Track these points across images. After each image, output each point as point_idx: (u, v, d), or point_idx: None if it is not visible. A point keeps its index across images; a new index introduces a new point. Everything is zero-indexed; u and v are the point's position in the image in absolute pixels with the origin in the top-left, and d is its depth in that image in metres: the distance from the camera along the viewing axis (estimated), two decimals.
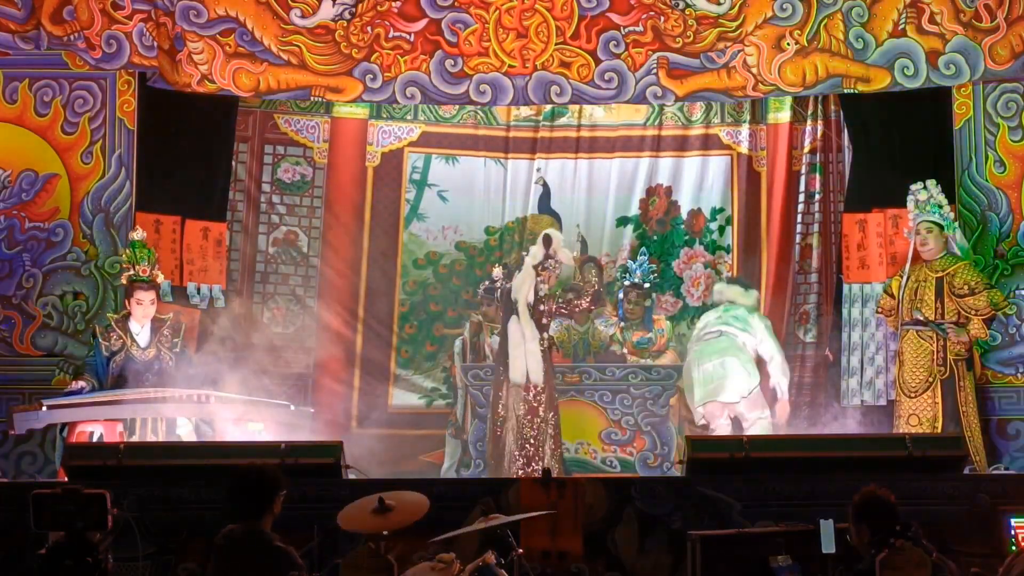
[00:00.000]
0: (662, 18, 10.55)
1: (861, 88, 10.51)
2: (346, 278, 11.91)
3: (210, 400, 9.35)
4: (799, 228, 11.83)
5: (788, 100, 11.76)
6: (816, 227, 11.77)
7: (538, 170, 12.20)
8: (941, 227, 10.01)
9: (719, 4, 10.53)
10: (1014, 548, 7.54)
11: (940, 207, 10.03)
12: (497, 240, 12.22)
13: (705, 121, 12.15)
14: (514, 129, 12.18)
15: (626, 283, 11.33)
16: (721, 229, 12.14)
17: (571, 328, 11.15)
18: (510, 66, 10.59)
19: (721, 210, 12.17)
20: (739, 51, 10.50)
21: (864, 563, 6.16)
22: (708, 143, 12.18)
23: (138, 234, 9.87)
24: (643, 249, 11.79)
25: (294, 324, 11.86)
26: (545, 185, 12.17)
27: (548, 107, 11.77)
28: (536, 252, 10.34)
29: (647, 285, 11.32)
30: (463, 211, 12.24)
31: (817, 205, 11.79)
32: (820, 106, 11.77)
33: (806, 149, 11.85)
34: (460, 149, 12.23)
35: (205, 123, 10.74)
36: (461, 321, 12.01)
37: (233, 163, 11.50)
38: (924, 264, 10.04)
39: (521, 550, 6.81)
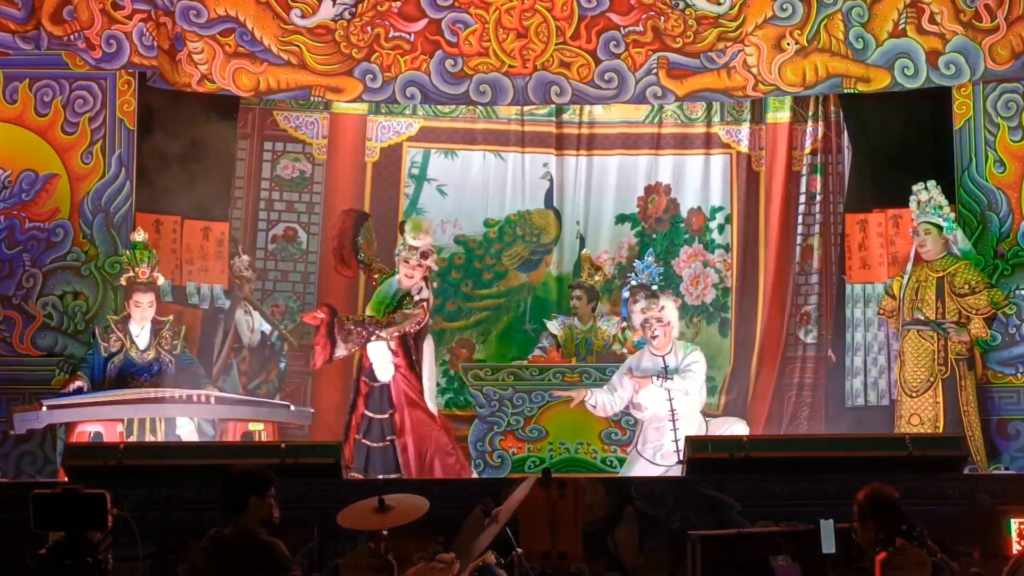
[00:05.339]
0: (662, 18, 10.55)
1: (861, 88, 10.51)
2: (345, 274, 11.89)
3: (210, 400, 9.36)
4: (800, 229, 11.84)
5: (788, 100, 11.77)
6: (817, 228, 11.79)
7: (544, 165, 12.21)
8: (940, 228, 10.02)
9: (719, 4, 10.53)
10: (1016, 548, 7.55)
11: (940, 208, 10.04)
12: (497, 233, 12.23)
13: (705, 120, 12.16)
14: (515, 123, 12.18)
15: (632, 283, 11.31)
16: (720, 228, 12.15)
17: (573, 327, 11.14)
18: (510, 66, 10.59)
19: (720, 208, 12.18)
20: (739, 51, 10.50)
21: (866, 562, 6.16)
22: (708, 141, 12.19)
23: (139, 235, 9.88)
24: (650, 249, 11.79)
25: (293, 321, 11.86)
26: (551, 180, 12.20)
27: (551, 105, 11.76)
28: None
29: (655, 287, 11.30)
30: (462, 205, 12.25)
31: (818, 206, 11.80)
32: (820, 107, 11.78)
33: (807, 150, 11.87)
34: (459, 143, 12.24)
35: (205, 123, 10.73)
36: (460, 315, 12.06)
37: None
38: (925, 264, 10.05)
39: (521, 550, 6.82)
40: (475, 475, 10.10)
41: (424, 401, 9.79)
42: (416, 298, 9.73)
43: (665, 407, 9.43)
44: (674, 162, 12.24)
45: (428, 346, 9.92)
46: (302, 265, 12.05)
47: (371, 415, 9.66)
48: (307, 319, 10.04)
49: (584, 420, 10.41)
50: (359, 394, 9.87)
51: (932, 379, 9.89)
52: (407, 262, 9.84)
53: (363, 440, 9.62)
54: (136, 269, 9.63)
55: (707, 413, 9.93)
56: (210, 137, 10.74)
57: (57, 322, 10.39)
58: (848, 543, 6.54)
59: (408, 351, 9.72)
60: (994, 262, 10.34)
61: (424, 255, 9.82)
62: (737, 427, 9.60)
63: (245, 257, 11.26)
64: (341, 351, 9.70)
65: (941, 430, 9.71)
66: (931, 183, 10.09)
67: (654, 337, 9.54)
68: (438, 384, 11.39)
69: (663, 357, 9.52)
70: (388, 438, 9.63)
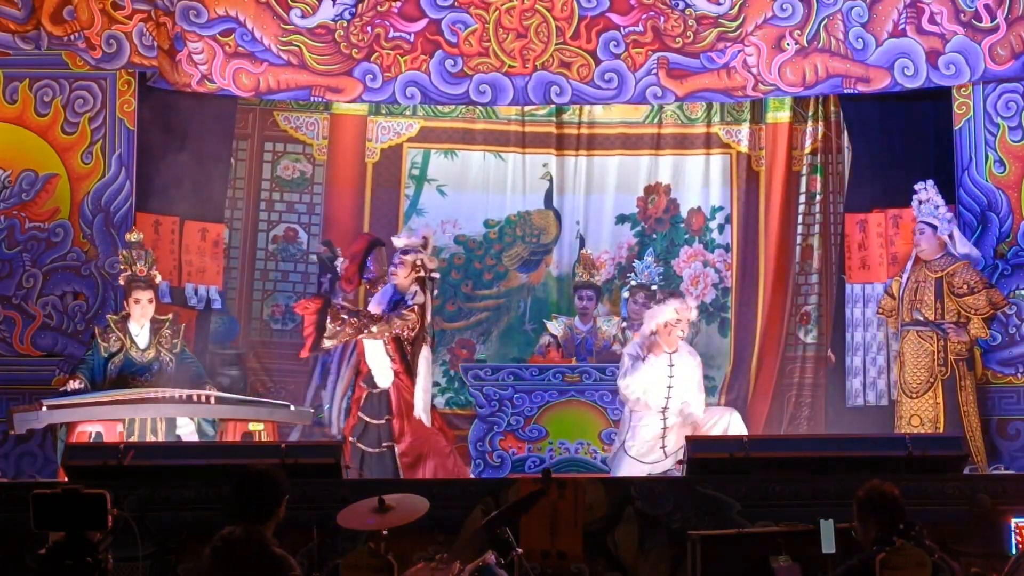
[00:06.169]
0: (662, 18, 10.56)
1: (861, 88, 10.51)
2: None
3: (210, 400, 9.36)
4: (800, 229, 11.85)
5: (788, 100, 11.77)
6: (817, 228, 11.80)
7: (544, 165, 12.23)
8: (934, 228, 10.01)
9: (719, 4, 10.53)
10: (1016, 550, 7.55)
11: (936, 208, 10.04)
12: (497, 233, 12.24)
13: (705, 120, 12.17)
14: (515, 123, 12.20)
15: (632, 283, 11.32)
16: (720, 228, 12.16)
17: (573, 327, 11.16)
18: (510, 66, 10.60)
19: (720, 208, 12.19)
20: (739, 51, 10.50)
21: (857, 559, 6.16)
22: (708, 141, 12.20)
23: (135, 236, 9.89)
24: (650, 249, 11.80)
25: (294, 321, 11.88)
26: (551, 180, 12.21)
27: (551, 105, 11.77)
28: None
29: (654, 287, 11.31)
30: (462, 205, 12.27)
31: (818, 206, 11.81)
32: (820, 107, 11.79)
33: (807, 150, 11.87)
34: (459, 143, 12.26)
35: (204, 123, 10.74)
36: (460, 315, 12.04)
37: (232, 161, 11.53)
38: (924, 264, 10.05)
39: (521, 550, 6.82)
40: (472, 475, 10.10)
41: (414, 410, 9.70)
42: (410, 302, 9.70)
43: (660, 404, 9.43)
44: (674, 162, 12.25)
45: (424, 357, 9.81)
46: (302, 265, 12.07)
47: (367, 420, 9.63)
48: (298, 309, 10.00)
49: (584, 420, 10.43)
50: (353, 399, 9.85)
51: (932, 380, 9.88)
52: (391, 262, 9.84)
53: (358, 444, 9.59)
54: (134, 268, 9.64)
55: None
56: (209, 138, 10.75)
57: (57, 322, 10.39)
58: (848, 543, 6.54)
59: (405, 357, 9.69)
60: (994, 262, 10.34)
61: (404, 252, 9.76)
62: (725, 417, 9.58)
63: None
64: (328, 341, 9.63)
65: (942, 431, 9.70)
66: (929, 183, 10.09)
67: (681, 337, 9.54)
68: (437, 384, 11.42)
69: (670, 355, 9.51)
70: (385, 444, 9.60)
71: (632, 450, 9.40)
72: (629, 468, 9.32)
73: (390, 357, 9.64)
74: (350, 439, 9.58)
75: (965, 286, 9.91)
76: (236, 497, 5.71)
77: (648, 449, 9.38)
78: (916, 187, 10.11)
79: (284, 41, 10.52)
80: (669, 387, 9.42)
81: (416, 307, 9.63)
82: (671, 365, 9.48)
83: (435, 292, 10.15)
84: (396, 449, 9.54)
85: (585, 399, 10.52)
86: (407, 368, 9.64)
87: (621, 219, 12.25)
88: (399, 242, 9.86)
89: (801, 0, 10.47)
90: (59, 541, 5.75)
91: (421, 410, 9.58)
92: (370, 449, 9.54)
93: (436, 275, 9.95)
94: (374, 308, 9.74)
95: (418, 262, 9.71)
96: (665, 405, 9.42)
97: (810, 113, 11.87)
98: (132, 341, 9.59)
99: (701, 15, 10.53)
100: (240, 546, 5.61)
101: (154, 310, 9.70)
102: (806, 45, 10.48)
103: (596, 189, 12.26)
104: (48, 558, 5.73)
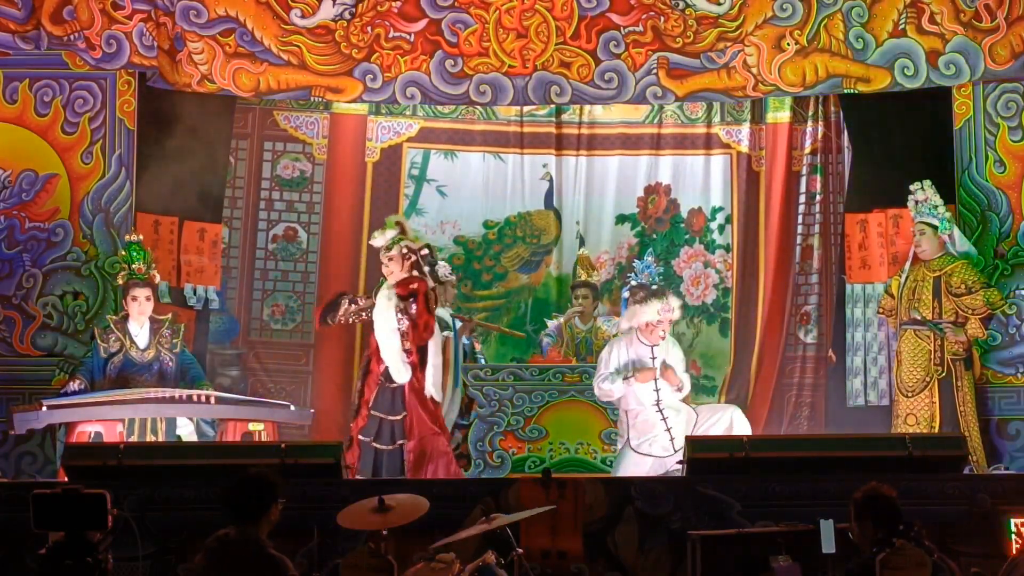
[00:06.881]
0: (662, 18, 10.56)
1: (861, 88, 10.51)
2: (345, 274, 11.92)
3: (210, 400, 9.36)
4: (800, 229, 11.86)
5: (788, 100, 11.78)
6: (817, 228, 11.80)
7: (544, 166, 12.23)
8: (935, 228, 10.02)
9: (719, 4, 10.53)
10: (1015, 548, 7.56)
11: (935, 208, 10.04)
12: (496, 234, 12.25)
13: (705, 120, 12.18)
14: (515, 124, 12.20)
15: (632, 283, 11.32)
16: (721, 228, 12.17)
17: (574, 327, 11.15)
18: (510, 66, 10.60)
19: (721, 208, 12.19)
20: (739, 51, 10.50)
21: (855, 561, 6.16)
22: (708, 142, 12.20)
23: (134, 236, 9.89)
24: (650, 249, 11.81)
25: (294, 321, 11.89)
26: (550, 180, 12.22)
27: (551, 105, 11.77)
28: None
29: (654, 287, 11.31)
30: (462, 206, 12.28)
31: (818, 206, 11.82)
32: (820, 107, 11.80)
33: (807, 150, 11.88)
34: (459, 144, 12.26)
35: (204, 124, 10.73)
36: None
37: (232, 161, 11.53)
38: (923, 264, 10.06)
39: (521, 550, 6.83)
40: (466, 475, 10.09)
41: (426, 395, 9.65)
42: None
43: (652, 397, 9.49)
44: (674, 162, 12.26)
45: (435, 336, 9.77)
46: (302, 265, 12.08)
47: (381, 416, 9.53)
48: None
49: (584, 420, 10.42)
50: (363, 397, 9.76)
51: (928, 379, 9.89)
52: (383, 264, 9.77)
53: (372, 443, 9.49)
54: (132, 266, 9.65)
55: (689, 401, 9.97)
56: (208, 138, 10.74)
57: (57, 322, 10.39)
58: (848, 543, 6.54)
59: (420, 347, 9.65)
60: (994, 262, 10.34)
61: (388, 248, 9.71)
62: (727, 414, 9.60)
63: (445, 263, 11.06)
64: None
65: (937, 430, 9.71)
66: (927, 182, 10.09)
67: (662, 337, 9.57)
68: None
69: (651, 348, 9.55)
70: (399, 442, 9.54)
71: (640, 447, 9.42)
72: (636, 465, 9.33)
73: (407, 351, 9.54)
74: (360, 438, 9.49)
75: (963, 286, 9.91)
76: (227, 499, 5.74)
77: (653, 442, 9.40)
78: (912, 187, 10.11)
79: (284, 41, 10.52)
80: (655, 379, 9.48)
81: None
82: (653, 357, 9.53)
83: (436, 265, 9.99)
84: (405, 446, 9.50)
85: (585, 399, 10.51)
86: (422, 359, 9.59)
87: (621, 219, 12.25)
88: (377, 242, 9.78)
89: (801, 0, 10.47)
90: (59, 541, 5.75)
91: (431, 385, 9.54)
92: (383, 447, 9.48)
93: (425, 251, 9.84)
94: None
95: (403, 249, 9.66)
96: (657, 397, 9.47)
97: (810, 113, 11.88)
98: (132, 341, 9.59)
99: (701, 15, 10.53)
100: (236, 547, 5.61)
101: (152, 309, 9.71)
102: (806, 45, 10.48)
103: (596, 189, 12.26)
104: (48, 558, 5.74)
